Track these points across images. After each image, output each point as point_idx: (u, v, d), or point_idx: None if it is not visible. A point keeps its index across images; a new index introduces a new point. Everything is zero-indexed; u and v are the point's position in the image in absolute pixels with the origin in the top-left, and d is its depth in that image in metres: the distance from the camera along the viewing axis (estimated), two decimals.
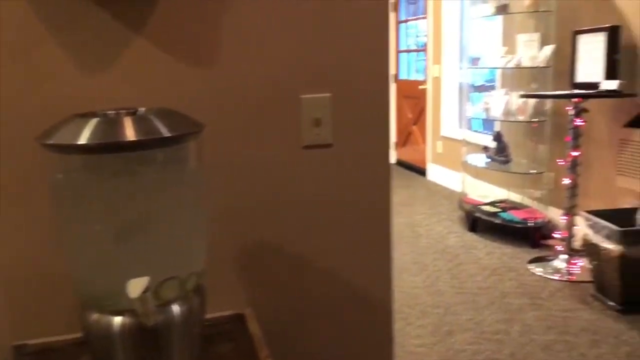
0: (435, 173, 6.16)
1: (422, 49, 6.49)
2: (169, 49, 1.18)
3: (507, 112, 4.15)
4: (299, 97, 1.27)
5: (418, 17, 6.55)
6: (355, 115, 1.32)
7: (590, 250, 3.03)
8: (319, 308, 1.36)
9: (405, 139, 6.98)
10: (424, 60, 6.35)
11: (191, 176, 0.96)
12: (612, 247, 2.82)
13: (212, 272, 1.03)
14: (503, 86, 4.54)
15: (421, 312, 3.00)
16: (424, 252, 3.91)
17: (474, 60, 4.81)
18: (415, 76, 6.84)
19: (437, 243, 4.09)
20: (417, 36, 6.78)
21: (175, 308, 0.88)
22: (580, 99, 3.31)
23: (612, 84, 3.23)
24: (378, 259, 1.39)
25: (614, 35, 3.27)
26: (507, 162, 4.31)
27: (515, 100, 4.07)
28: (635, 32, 3.33)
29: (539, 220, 3.98)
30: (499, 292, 3.20)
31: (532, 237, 3.92)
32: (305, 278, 1.34)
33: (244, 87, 1.23)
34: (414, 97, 6.59)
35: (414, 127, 6.70)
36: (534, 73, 4.10)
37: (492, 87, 4.90)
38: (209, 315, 1.01)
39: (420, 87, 6.38)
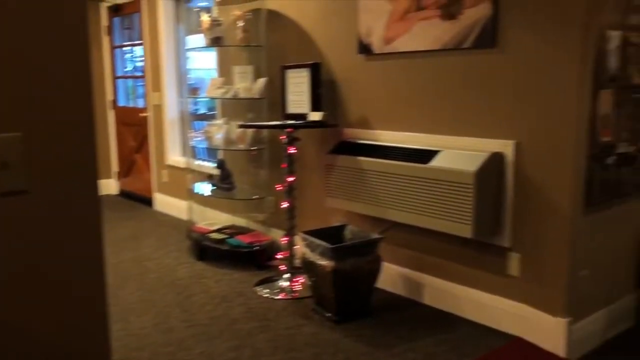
0: (162, 203, 6.01)
1: (141, 75, 6.30)
2: None
3: (228, 141, 4.27)
4: None
5: (134, 42, 6.36)
6: (54, 154, 1.16)
7: (308, 267, 3.28)
8: None
9: (128, 168, 6.66)
10: (144, 86, 6.18)
11: None
12: (325, 263, 3.09)
13: None
14: (223, 115, 4.67)
15: (152, 353, 2.84)
16: (153, 288, 3.74)
17: (194, 90, 4.85)
18: (136, 103, 6.61)
19: (167, 276, 3.96)
20: (135, 62, 6.57)
21: None
22: (292, 129, 3.59)
23: (317, 115, 3.58)
24: (90, 314, 1.24)
25: (315, 71, 3.64)
26: (231, 189, 4.43)
27: (234, 129, 4.21)
28: (333, 68, 3.77)
29: (264, 243, 4.17)
30: (230, 319, 3.23)
31: (258, 259, 4.09)
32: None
33: None
34: (136, 124, 6.34)
35: (137, 156, 6.45)
36: (250, 103, 4.32)
37: (213, 116, 5.00)
38: None
39: (141, 114, 6.18)
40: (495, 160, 2.88)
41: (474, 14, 2.90)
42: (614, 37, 2.64)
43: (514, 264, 2.91)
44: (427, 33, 3.14)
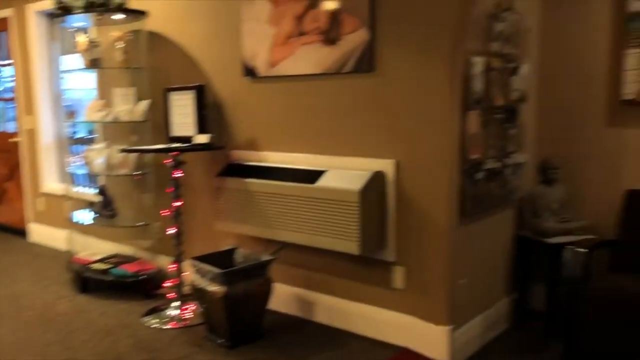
0: (39, 233, 5.60)
1: (11, 97, 5.86)
2: None
3: (110, 166, 4.09)
4: None
5: (3, 62, 5.92)
6: None
7: (198, 294, 3.21)
8: None
9: None
10: (15, 109, 5.75)
11: None
12: (216, 288, 3.04)
13: None
14: (104, 139, 4.46)
15: None
16: (30, 327, 3.46)
17: (71, 112, 4.60)
18: (5, 127, 6.13)
19: (45, 312, 3.69)
20: (4, 83, 6.10)
21: None
22: (178, 153, 3.51)
23: (204, 138, 3.54)
24: None
25: (200, 93, 3.61)
26: (114, 216, 4.23)
27: (116, 153, 4.04)
28: (219, 91, 3.75)
29: (151, 271, 4.02)
30: (116, 354, 3.07)
31: (145, 289, 3.93)
32: None
33: None
34: (6, 150, 5.88)
35: (9, 184, 5.97)
36: (133, 126, 4.18)
37: (93, 140, 4.77)
38: None
39: (12, 139, 5.74)
40: (377, 179, 3.00)
41: (353, 40, 3.03)
42: (478, 63, 2.88)
43: (399, 277, 3.04)
44: (310, 57, 3.23)
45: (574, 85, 3.42)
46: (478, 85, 2.90)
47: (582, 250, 2.93)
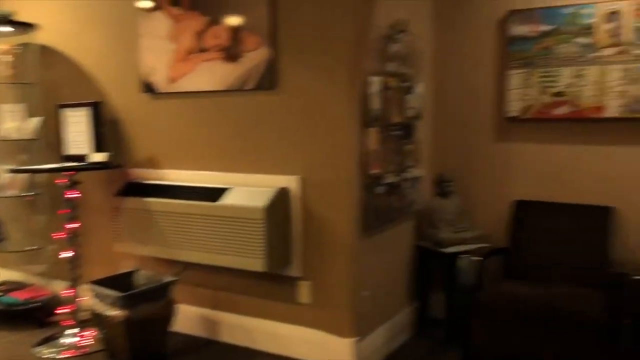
0: None
1: None
2: None
3: None
4: None
5: None
6: None
7: (97, 319, 3.06)
8: None
9: None
10: None
11: None
12: (116, 313, 2.91)
13: None
14: None
15: None
16: None
17: None
18: None
19: None
20: None
21: None
22: (72, 172, 3.34)
23: (100, 156, 3.39)
24: None
25: (96, 110, 3.46)
26: (2, 240, 3.94)
27: (3, 173, 3.78)
28: (117, 107, 3.62)
29: (44, 298, 3.78)
30: None
31: (38, 317, 3.68)
32: None
33: None
34: None
35: None
36: (23, 144, 3.93)
37: None
38: None
39: None
40: (282, 195, 3.02)
41: (255, 57, 3.05)
42: (375, 82, 2.99)
43: (305, 292, 3.07)
44: (211, 74, 3.21)
45: (465, 103, 3.64)
46: (376, 103, 3.01)
47: (475, 258, 3.10)
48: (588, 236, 3.19)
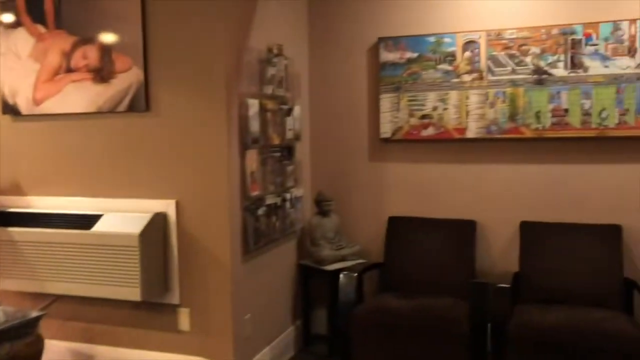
0: None
1: None
2: None
3: None
4: None
5: None
6: None
7: None
8: None
9: None
10: None
11: None
12: None
13: None
14: None
15: None
16: None
17: None
18: None
19: None
20: None
21: None
22: None
23: None
24: None
25: None
26: None
27: None
28: None
29: None
30: None
31: None
32: None
33: None
34: None
35: None
36: None
37: None
38: None
39: None
40: (158, 220, 2.94)
41: (126, 79, 2.95)
42: (253, 105, 3.02)
43: (184, 319, 2.99)
44: (81, 95, 3.06)
45: (342, 124, 3.78)
46: (255, 125, 3.04)
47: (353, 274, 3.21)
48: (455, 249, 3.43)
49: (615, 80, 3.17)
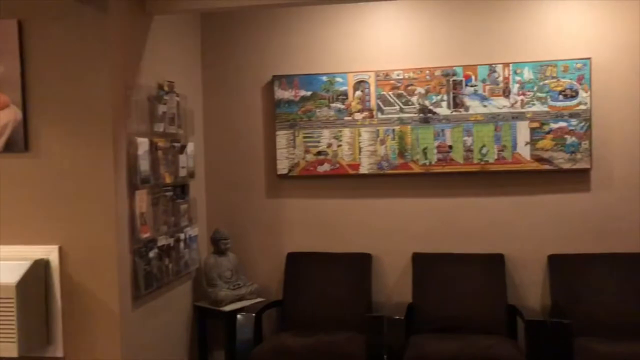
0: None
1: None
2: None
3: None
4: None
5: None
6: None
7: None
8: None
9: None
10: None
11: None
12: None
13: None
14: None
15: None
16: None
17: None
18: None
19: None
20: None
21: None
22: None
23: None
24: None
25: None
26: None
27: None
28: None
29: None
30: None
31: None
32: None
33: None
34: None
35: None
36: None
37: None
38: None
39: None
40: (39, 268, 2.73)
41: (2, 118, 2.76)
42: (143, 143, 2.93)
43: None
44: None
45: (240, 161, 3.76)
46: (144, 164, 2.94)
47: (250, 315, 3.16)
48: (352, 282, 3.48)
49: (493, 118, 3.41)
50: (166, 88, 3.19)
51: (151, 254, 3.00)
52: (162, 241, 3.12)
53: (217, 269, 3.53)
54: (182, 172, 3.36)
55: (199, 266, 3.58)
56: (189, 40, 3.63)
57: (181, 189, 3.37)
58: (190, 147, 3.44)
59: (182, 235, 3.34)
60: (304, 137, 3.62)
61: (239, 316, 3.14)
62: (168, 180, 3.19)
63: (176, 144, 3.29)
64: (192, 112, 3.57)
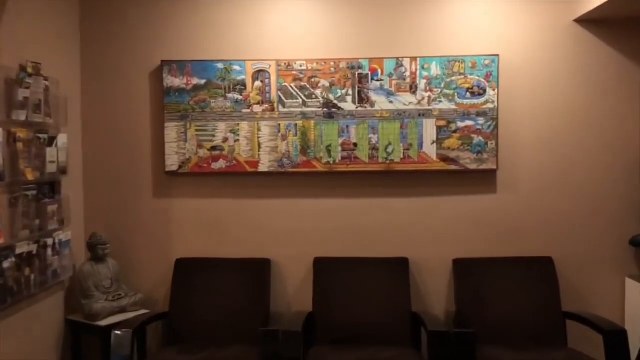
0: None
1: None
2: None
3: None
4: None
5: None
6: None
7: None
8: None
9: None
10: None
11: None
12: None
13: None
14: None
15: None
16: None
17: None
18: None
19: None
20: None
21: None
22: None
23: None
24: None
25: None
26: None
27: None
28: None
29: None
30: None
31: None
32: None
33: None
34: None
35: None
36: None
37: None
38: None
39: None
40: None
41: None
42: None
43: None
44: None
45: (122, 156, 3.34)
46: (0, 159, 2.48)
47: (128, 331, 2.78)
48: (249, 291, 3.18)
49: (399, 115, 3.22)
50: (30, 70, 2.73)
51: (6, 264, 2.55)
52: (22, 248, 2.67)
53: (94, 278, 3.11)
54: (51, 168, 2.90)
55: (72, 275, 3.13)
56: (64, 17, 3.16)
57: (50, 187, 2.92)
58: (62, 138, 2.99)
59: (49, 241, 2.89)
60: (197, 130, 3.26)
61: (113, 333, 2.75)
62: (30, 177, 2.73)
63: (43, 135, 2.84)
64: (66, 100, 3.11)
